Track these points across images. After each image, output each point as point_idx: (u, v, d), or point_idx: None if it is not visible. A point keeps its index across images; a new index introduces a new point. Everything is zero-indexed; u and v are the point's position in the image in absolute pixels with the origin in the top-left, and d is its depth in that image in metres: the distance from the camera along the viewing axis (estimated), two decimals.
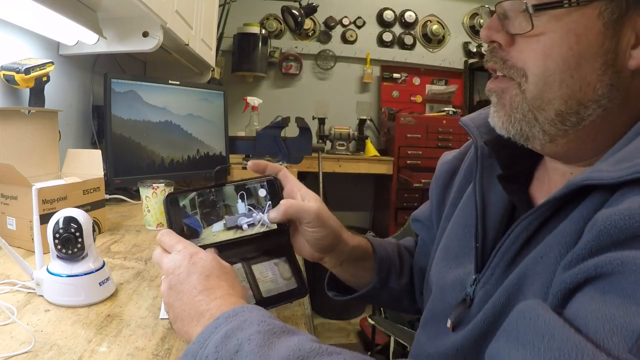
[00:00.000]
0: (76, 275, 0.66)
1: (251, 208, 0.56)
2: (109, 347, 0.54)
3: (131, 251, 0.94)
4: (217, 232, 0.54)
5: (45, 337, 0.55)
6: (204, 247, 0.51)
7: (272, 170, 0.60)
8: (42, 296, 0.66)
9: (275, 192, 0.58)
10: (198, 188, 0.54)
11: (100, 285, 0.67)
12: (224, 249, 0.53)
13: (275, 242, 0.57)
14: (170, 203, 0.52)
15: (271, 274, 0.55)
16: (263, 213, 0.56)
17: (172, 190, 0.53)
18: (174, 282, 0.45)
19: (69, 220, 0.66)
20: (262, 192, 0.57)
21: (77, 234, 0.66)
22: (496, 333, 0.34)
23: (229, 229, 0.55)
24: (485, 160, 0.53)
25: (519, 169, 0.52)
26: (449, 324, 0.49)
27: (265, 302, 0.54)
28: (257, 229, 0.56)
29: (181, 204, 0.53)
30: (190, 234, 0.53)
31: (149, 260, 0.88)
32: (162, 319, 0.63)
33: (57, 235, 0.65)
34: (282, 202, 0.55)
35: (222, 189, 0.55)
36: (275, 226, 0.57)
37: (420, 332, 0.57)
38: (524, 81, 0.43)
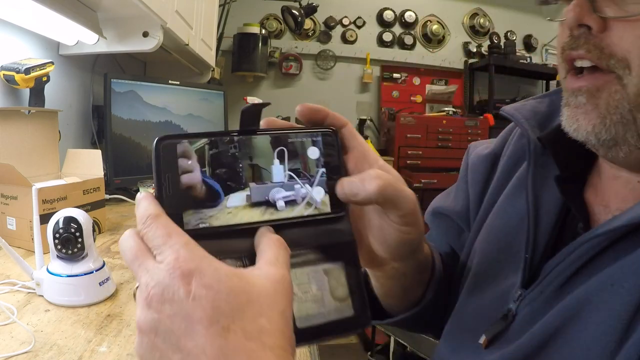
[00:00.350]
0: (76, 275, 0.66)
1: (293, 175, 0.35)
2: (109, 347, 0.54)
3: None
4: (234, 208, 0.33)
5: (45, 337, 0.55)
6: (209, 232, 0.31)
7: (333, 121, 0.38)
8: (42, 296, 0.66)
9: (334, 154, 0.36)
10: (211, 133, 0.33)
11: (100, 285, 0.67)
12: (240, 237, 0.32)
13: (329, 236, 0.35)
14: (164, 151, 0.31)
15: (316, 288, 0.34)
16: (312, 186, 0.35)
17: (166, 135, 0.32)
18: (163, 328, 0.26)
19: (69, 220, 0.67)
20: (314, 153, 0.36)
21: (77, 234, 0.66)
22: (542, 357, 0.31)
23: (254, 205, 0.34)
24: (538, 157, 0.46)
25: (575, 171, 0.45)
26: (482, 339, 0.43)
27: (301, 335, 0.31)
28: (300, 211, 0.35)
29: (180, 155, 0.32)
30: (206, 197, 0.32)
31: None
32: None
33: (57, 235, 0.65)
34: (372, 172, 0.35)
35: (251, 140, 0.35)
36: (327, 208, 0.35)
37: (442, 345, 0.51)
38: (627, 73, 0.36)
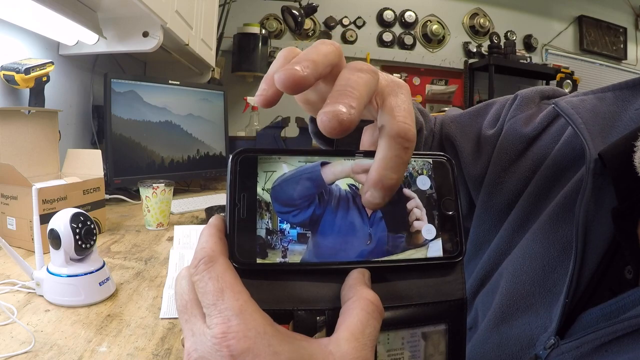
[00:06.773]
0: (76, 275, 0.66)
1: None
2: (109, 347, 0.54)
3: (131, 251, 0.94)
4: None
5: (45, 337, 0.55)
6: (288, 269, 0.25)
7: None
8: (42, 296, 0.66)
9: (449, 187, 0.29)
10: (300, 150, 0.28)
11: (100, 285, 0.67)
12: (327, 279, 0.26)
13: (437, 290, 0.28)
14: (242, 166, 0.26)
15: (409, 356, 0.27)
16: (433, 223, 0.29)
17: (244, 148, 0.26)
18: None
19: (82, 215, 0.69)
20: (423, 183, 0.29)
21: (92, 226, 0.69)
22: None
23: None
24: (596, 179, 0.38)
25: (635, 202, 0.36)
26: None
27: None
28: (409, 253, 0.28)
29: (266, 179, 0.26)
30: (296, 225, 0.26)
31: (149, 260, 0.88)
32: (162, 318, 0.63)
33: (78, 231, 0.66)
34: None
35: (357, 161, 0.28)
36: (440, 252, 0.28)
37: None
38: None
